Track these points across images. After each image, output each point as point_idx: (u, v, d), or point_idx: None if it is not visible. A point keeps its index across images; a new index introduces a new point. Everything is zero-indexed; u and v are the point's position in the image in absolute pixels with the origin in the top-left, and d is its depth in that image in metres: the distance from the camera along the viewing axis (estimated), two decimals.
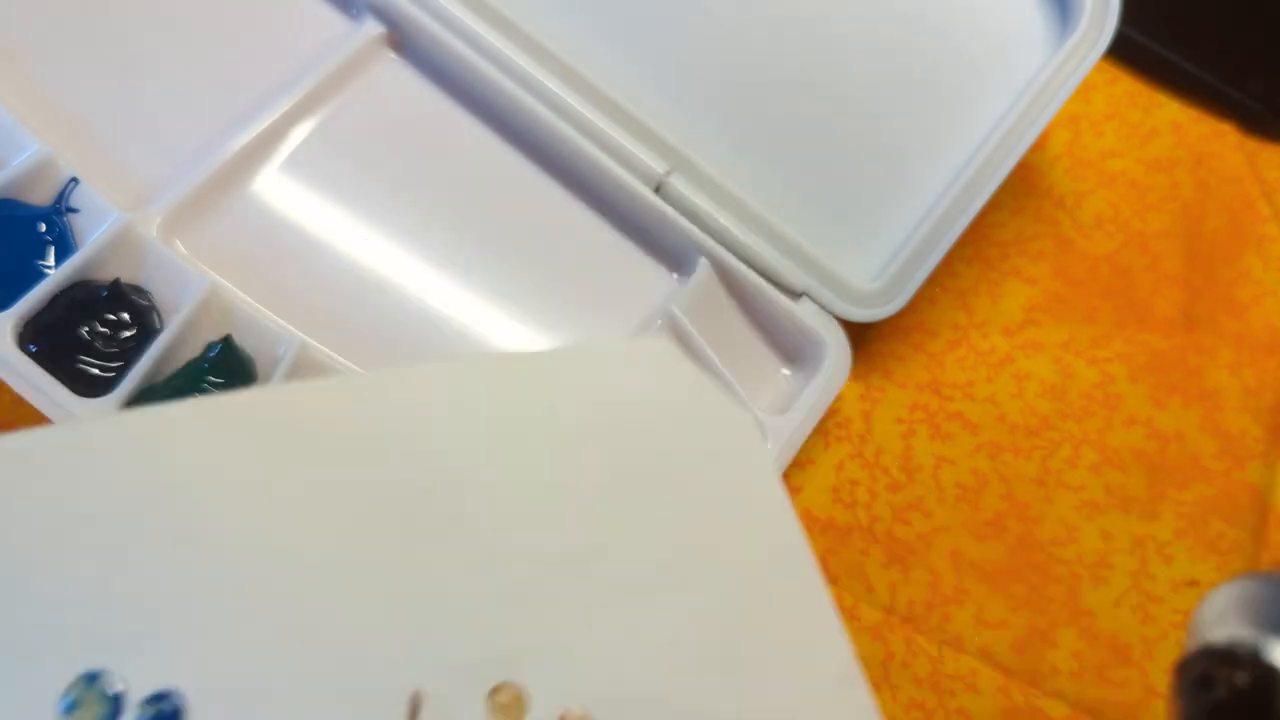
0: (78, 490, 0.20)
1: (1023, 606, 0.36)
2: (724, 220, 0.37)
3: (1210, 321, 0.43)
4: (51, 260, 0.32)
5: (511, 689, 0.19)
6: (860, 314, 0.37)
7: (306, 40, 0.38)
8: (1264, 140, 0.48)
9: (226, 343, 0.32)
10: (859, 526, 0.37)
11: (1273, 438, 0.41)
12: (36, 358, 0.30)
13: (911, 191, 0.39)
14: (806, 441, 0.35)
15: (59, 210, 0.33)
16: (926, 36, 0.41)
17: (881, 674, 0.34)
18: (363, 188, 0.37)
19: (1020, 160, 0.38)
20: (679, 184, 0.38)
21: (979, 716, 0.34)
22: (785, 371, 0.38)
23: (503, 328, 0.36)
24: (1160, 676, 0.36)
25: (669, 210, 0.37)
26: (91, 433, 0.21)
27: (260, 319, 0.33)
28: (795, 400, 0.36)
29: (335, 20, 0.39)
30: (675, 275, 0.38)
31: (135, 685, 0.18)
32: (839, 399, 0.37)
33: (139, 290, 0.33)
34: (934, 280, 0.38)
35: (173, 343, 0.32)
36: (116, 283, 0.32)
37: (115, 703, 0.18)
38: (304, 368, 0.33)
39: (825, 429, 0.38)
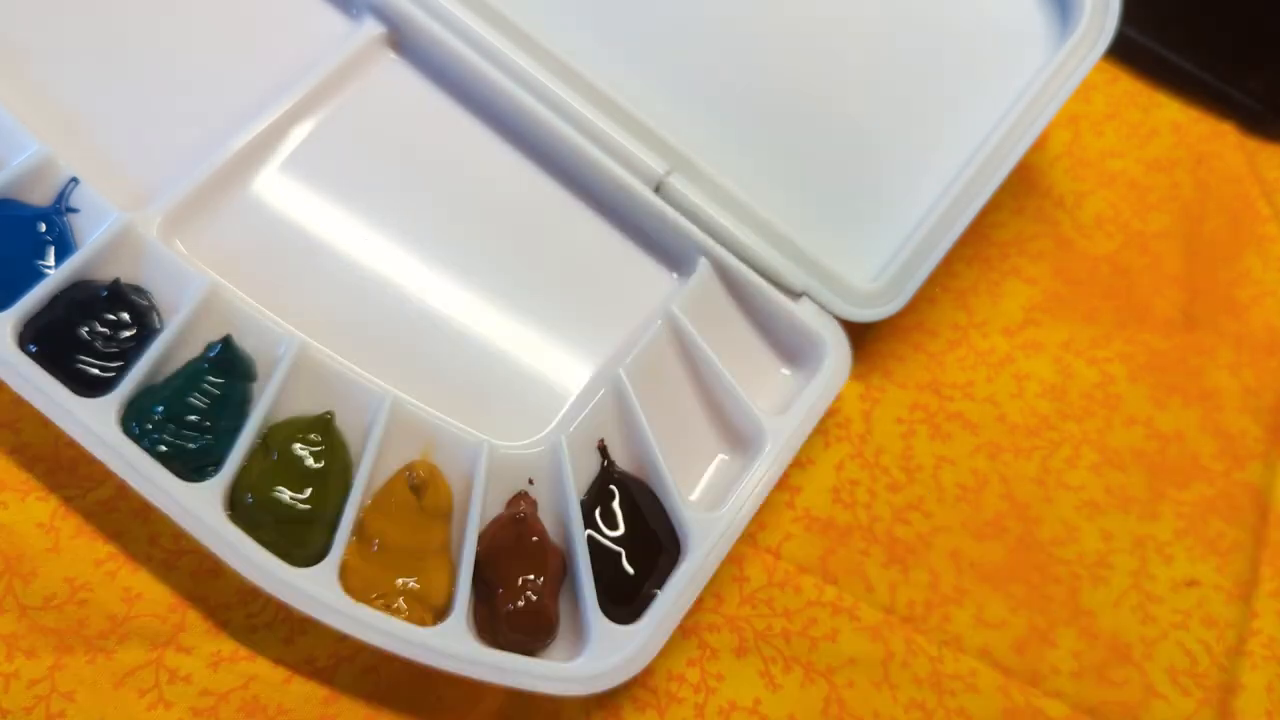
0: None
1: (1023, 606, 0.36)
2: (724, 220, 0.37)
3: (1210, 321, 0.43)
4: (51, 260, 0.32)
5: None
6: (860, 314, 0.37)
7: (306, 40, 0.38)
8: (1264, 140, 0.48)
9: (226, 343, 0.32)
10: (859, 526, 0.37)
11: (1273, 438, 0.41)
12: (36, 358, 0.30)
13: (911, 191, 0.39)
14: (806, 441, 0.35)
15: (59, 210, 0.33)
16: (926, 37, 0.41)
17: (881, 674, 0.34)
18: (363, 188, 0.37)
19: (1020, 160, 0.38)
20: (679, 184, 0.38)
21: (979, 716, 0.34)
22: (785, 371, 0.38)
23: (503, 327, 0.36)
24: (1160, 676, 0.36)
25: (669, 210, 0.37)
26: None
27: (260, 319, 0.33)
28: (795, 400, 0.36)
29: (335, 20, 0.39)
30: (675, 275, 0.38)
31: None
32: (839, 399, 0.37)
33: (139, 290, 0.33)
34: (934, 280, 0.38)
35: (173, 343, 0.32)
36: (116, 283, 0.32)
37: None
38: (304, 368, 0.33)
39: (825, 429, 0.38)
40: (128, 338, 0.32)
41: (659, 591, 0.32)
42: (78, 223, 0.33)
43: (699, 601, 0.32)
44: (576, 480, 0.33)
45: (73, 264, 0.32)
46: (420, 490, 0.32)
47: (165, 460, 0.30)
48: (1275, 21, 0.50)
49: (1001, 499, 0.38)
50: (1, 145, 0.33)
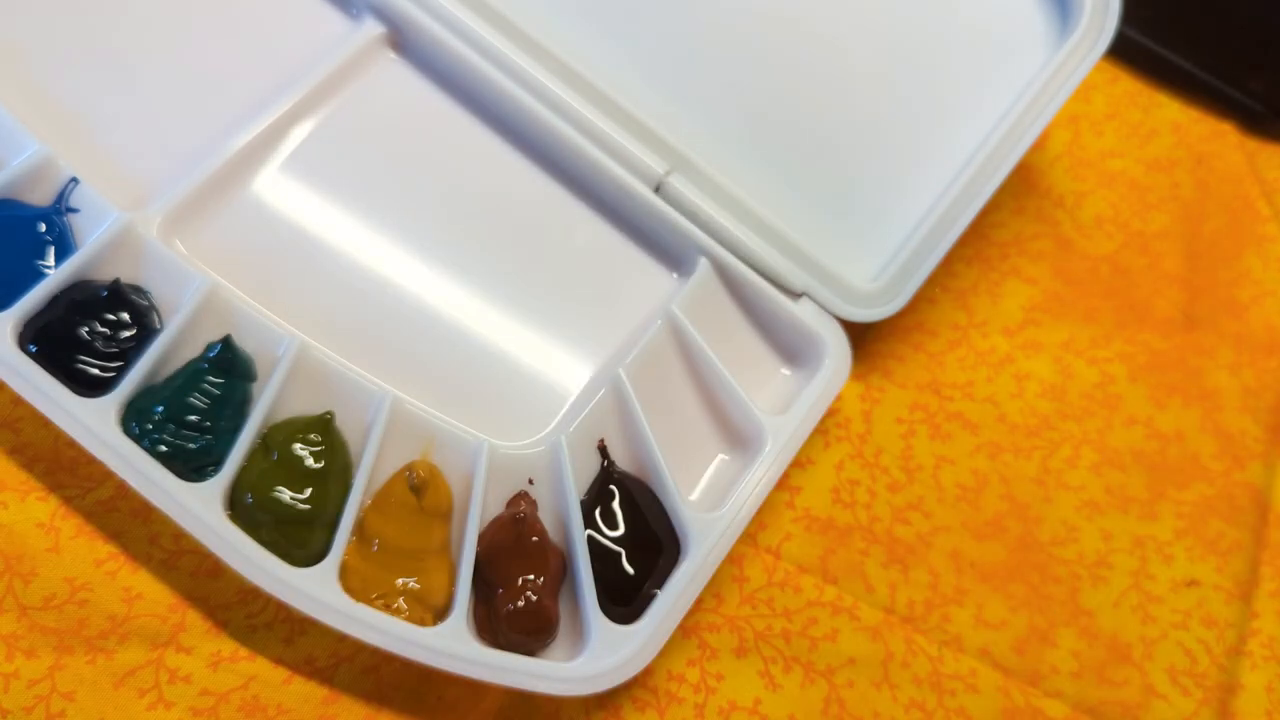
0: None
1: (1023, 606, 0.36)
2: (724, 220, 0.37)
3: (1210, 321, 0.43)
4: (51, 260, 0.32)
5: None
6: (860, 314, 0.37)
7: (306, 40, 0.38)
8: (1264, 140, 0.48)
9: (226, 343, 0.32)
10: (859, 526, 0.37)
11: (1273, 438, 0.41)
12: (36, 358, 0.30)
13: (911, 191, 0.39)
14: (806, 441, 0.35)
15: (59, 210, 0.33)
16: (927, 37, 0.41)
17: (881, 674, 0.34)
18: (363, 188, 0.37)
19: (1020, 160, 0.38)
20: (679, 184, 0.38)
21: (979, 716, 0.34)
22: (785, 371, 0.38)
23: (503, 327, 0.36)
24: (1160, 676, 0.36)
25: (669, 210, 0.37)
26: None
27: (260, 319, 0.33)
28: (795, 400, 0.36)
29: (335, 20, 0.39)
30: (675, 275, 0.38)
31: None
32: (839, 399, 0.37)
33: (139, 290, 0.33)
34: (934, 280, 0.38)
35: (172, 343, 0.32)
36: (116, 283, 0.32)
37: None
38: (304, 368, 0.33)
39: (825, 429, 0.38)
40: (128, 338, 0.32)
41: (659, 591, 0.32)
42: (78, 223, 0.33)
43: (699, 601, 0.32)
44: (576, 480, 0.33)
45: (73, 264, 0.32)
46: (420, 490, 0.32)
47: (165, 460, 0.30)
48: (1276, 22, 0.50)
49: (1001, 499, 0.38)
50: (1, 145, 0.33)
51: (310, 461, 0.31)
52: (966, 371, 0.40)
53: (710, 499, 0.35)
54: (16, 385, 0.30)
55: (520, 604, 0.31)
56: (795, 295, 0.37)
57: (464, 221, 0.37)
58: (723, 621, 0.34)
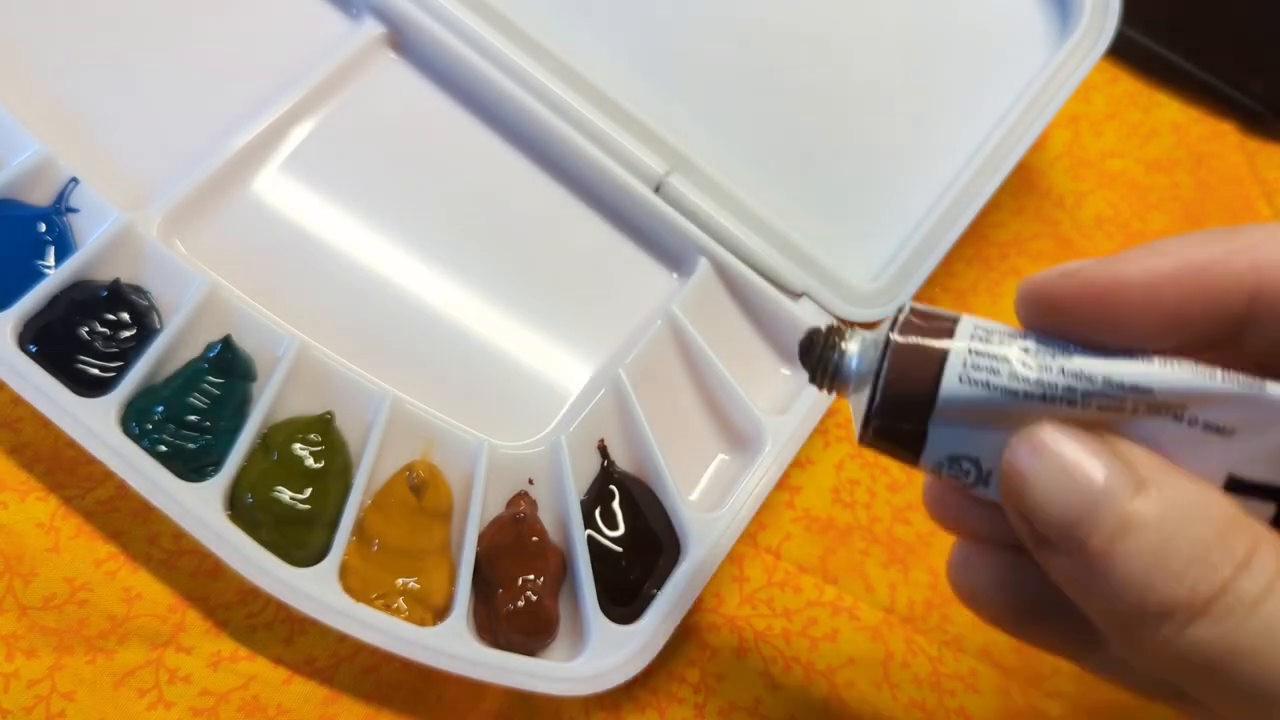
0: None
1: None
2: (724, 220, 0.37)
3: None
4: (51, 260, 0.32)
5: None
6: (860, 314, 0.37)
7: (306, 40, 0.38)
8: (1264, 140, 0.48)
9: (226, 343, 0.32)
10: (859, 526, 0.37)
11: None
12: (36, 358, 0.30)
13: (911, 191, 0.39)
14: (806, 441, 0.35)
15: (59, 210, 0.33)
16: (926, 37, 0.41)
17: (881, 674, 0.34)
18: (363, 188, 0.37)
19: (1020, 160, 0.38)
20: (679, 184, 0.38)
21: (979, 716, 0.34)
22: (785, 371, 0.38)
23: (503, 327, 0.36)
24: None
25: (669, 210, 0.37)
26: None
27: (260, 319, 0.33)
28: (795, 400, 0.36)
29: (335, 20, 0.39)
30: (675, 275, 0.38)
31: None
32: (839, 399, 0.37)
33: (139, 290, 0.33)
34: (934, 280, 0.38)
35: (172, 343, 0.32)
36: (116, 283, 0.32)
37: None
38: (304, 368, 0.33)
39: (825, 429, 0.38)
40: (128, 338, 0.32)
41: (659, 591, 0.32)
42: (78, 223, 0.33)
43: (699, 601, 0.32)
44: (576, 480, 0.33)
45: (73, 264, 0.32)
46: (420, 490, 0.32)
47: (165, 460, 0.30)
48: (1276, 22, 0.50)
49: None
50: (1, 145, 0.33)
51: (310, 461, 0.31)
52: None
53: (710, 499, 0.35)
54: (16, 385, 0.30)
55: (520, 604, 0.31)
56: (795, 295, 0.37)
57: (464, 221, 0.37)
58: (723, 621, 0.34)
